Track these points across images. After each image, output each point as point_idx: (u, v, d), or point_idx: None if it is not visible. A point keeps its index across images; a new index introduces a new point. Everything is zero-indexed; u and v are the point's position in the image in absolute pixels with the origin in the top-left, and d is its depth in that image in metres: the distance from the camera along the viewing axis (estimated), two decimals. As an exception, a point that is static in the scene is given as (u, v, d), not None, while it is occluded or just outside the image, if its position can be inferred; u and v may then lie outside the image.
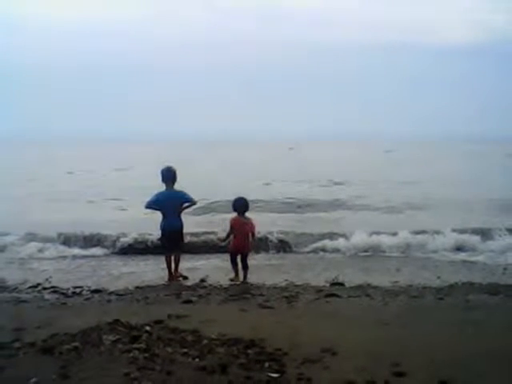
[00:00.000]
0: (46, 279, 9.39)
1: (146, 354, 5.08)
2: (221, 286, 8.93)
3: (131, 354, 5.09)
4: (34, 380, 4.55)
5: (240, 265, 9.33)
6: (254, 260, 10.41)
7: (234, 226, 9.27)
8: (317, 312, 6.91)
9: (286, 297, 7.80)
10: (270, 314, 6.83)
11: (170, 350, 5.23)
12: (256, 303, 7.39)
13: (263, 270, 10.34)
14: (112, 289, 8.61)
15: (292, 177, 30.31)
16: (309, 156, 57.39)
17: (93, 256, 11.90)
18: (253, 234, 9.24)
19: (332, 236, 12.99)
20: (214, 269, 10.38)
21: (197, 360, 4.99)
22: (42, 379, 4.56)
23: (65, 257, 11.76)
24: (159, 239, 9.93)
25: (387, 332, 5.89)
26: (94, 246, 12.41)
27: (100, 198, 19.66)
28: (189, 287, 8.77)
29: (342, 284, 8.97)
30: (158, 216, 9.60)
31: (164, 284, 9.15)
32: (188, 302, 7.52)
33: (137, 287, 8.75)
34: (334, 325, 6.19)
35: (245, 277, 9.32)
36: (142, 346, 5.31)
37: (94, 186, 22.04)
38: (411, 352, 5.21)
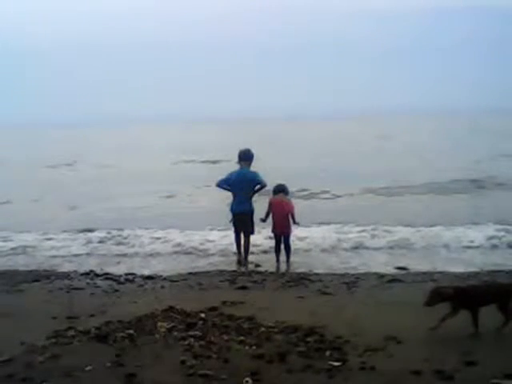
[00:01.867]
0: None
1: (202, 342, 5.15)
2: (277, 271, 8.90)
3: (187, 342, 5.17)
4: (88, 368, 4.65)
5: (282, 246, 9.21)
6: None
7: (272, 206, 9.17)
8: (379, 298, 6.83)
9: (346, 283, 7.72)
10: (329, 300, 6.80)
11: (225, 337, 5.28)
12: (315, 289, 7.35)
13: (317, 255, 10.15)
14: (165, 275, 8.65)
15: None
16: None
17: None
18: (292, 215, 9.09)
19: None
20: (269, 254, 10.25)
21: (254, 348, 5.03)
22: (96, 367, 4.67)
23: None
24: (230, 221, 9.55)
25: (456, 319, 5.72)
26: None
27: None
28: (243, 273, 8.77)
29: (405, 268, 8.80)
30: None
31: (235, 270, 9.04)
32: (243, 288, 7.57)
33: (190, 273, 8.79)
34: (397, 311, 6.09)
35: (287, 259, 9.22)
36: (198, 333, 5.39)
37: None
38: (484, 341, 5.13)
